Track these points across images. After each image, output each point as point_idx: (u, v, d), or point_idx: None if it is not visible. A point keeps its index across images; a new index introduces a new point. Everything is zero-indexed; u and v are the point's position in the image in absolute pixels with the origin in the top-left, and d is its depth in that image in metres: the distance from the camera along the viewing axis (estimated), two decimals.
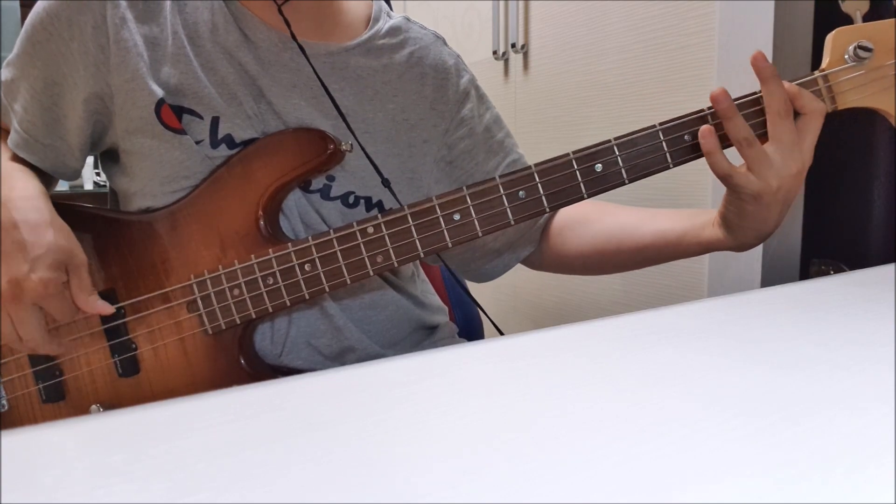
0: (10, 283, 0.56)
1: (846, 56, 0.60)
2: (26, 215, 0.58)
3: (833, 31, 0.61)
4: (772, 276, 0.95)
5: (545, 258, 0.81)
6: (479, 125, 0.79)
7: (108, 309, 0.61)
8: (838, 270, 0.93)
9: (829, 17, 0.90)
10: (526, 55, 1.35)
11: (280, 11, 0.65)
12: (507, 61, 1.40)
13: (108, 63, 0.62)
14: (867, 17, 0.61)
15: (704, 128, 0.59)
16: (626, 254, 0.73)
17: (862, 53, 0.59)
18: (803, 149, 0.59)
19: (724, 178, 0.60)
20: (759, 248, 0.95)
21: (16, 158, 0.67)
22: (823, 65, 0.61)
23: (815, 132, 0.59)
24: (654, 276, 1.12)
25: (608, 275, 1.20)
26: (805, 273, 0.97)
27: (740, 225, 0.62)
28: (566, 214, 0.78)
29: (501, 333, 0.62)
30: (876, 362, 0.34)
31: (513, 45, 1.35)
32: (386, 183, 0.67)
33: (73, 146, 0.67)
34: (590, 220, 0.76)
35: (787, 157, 0.58)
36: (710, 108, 0.60)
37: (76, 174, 0.71)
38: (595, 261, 0.76)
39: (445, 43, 0.79)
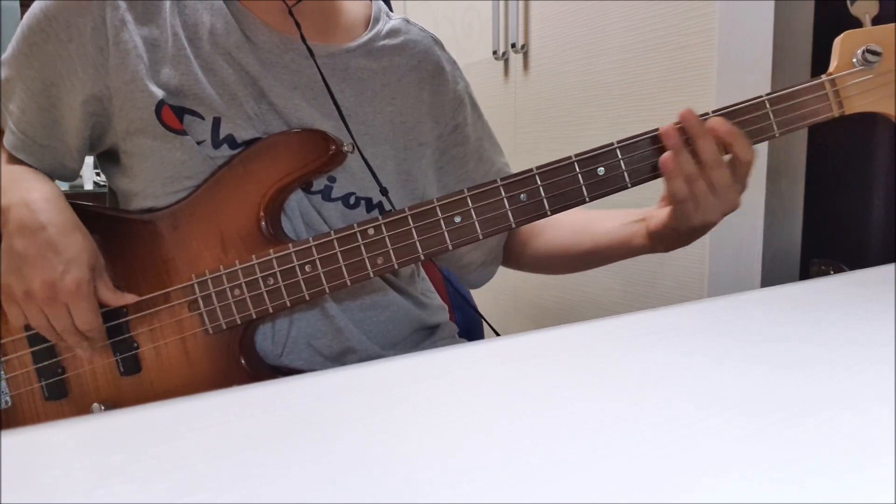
0: (45, 284, 0.58)
1: (854, 60, 0.59)
2: (53, 217, 0.59)
3: (841, 35, 0.60)
4: (772, 276, 0.95)
5: (515, 264, 0.86)
6: (472, 133, 0.80)
7: (133, 298, 0.63)
8: (838, 270, 0.93)
9: (829, 17, 0.90)
10: (526, 55, 1.35)
11: (291, 13, 0.65)
12: (507, 61, 1.40)
13: (106, 65, 0.62)
14: (876, 21, 0.60)
15: (666, 155, 0.60)
16: (574, 258, 0.79)
17: (870, 57, 0.59)
18: (737, 187, 0.61)
19: (681, 202, 0.61)
20: (760, 247, 0.95)
21: (13, 160, 0.67)
22: (831, 68, 0.60)
23: (747, 173, 0.61)
24: (654, 276, 1.13)
25: (600, 275, 1.20)
26: (805, 273, 0.97)
27: (667, 244, 0.68)
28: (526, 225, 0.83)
29: (498, 334, 0.62)
30: (876, 362, 0.34)
31: (513, 45, 1.35)
32: (384, 191, 0.67)
33: (71, 147, 0.67)
34: (547, 227, 0.81)
35: (725, 198, 0.60)
36: (714, 112, 0.60)
37: (74, 175, 0.71)
38: (553, 263, 0.82)
39: (443, 48, 0.79)
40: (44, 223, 0.58)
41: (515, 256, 0.85)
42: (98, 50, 0.62)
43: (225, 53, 0.65)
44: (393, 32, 0.74)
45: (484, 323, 1.01)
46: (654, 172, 0.61)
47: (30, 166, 0.67)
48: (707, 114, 0.60)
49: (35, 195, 0.60)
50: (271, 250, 0.62)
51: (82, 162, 0.70)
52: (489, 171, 0.81)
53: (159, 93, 0.62)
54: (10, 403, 0.66)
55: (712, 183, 0.59)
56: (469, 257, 0.81)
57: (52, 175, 0.70)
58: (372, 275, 0.62)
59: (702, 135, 0.59)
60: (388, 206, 0.70)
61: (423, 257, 0.62)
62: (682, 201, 0.61)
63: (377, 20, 0.75)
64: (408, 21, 0.78)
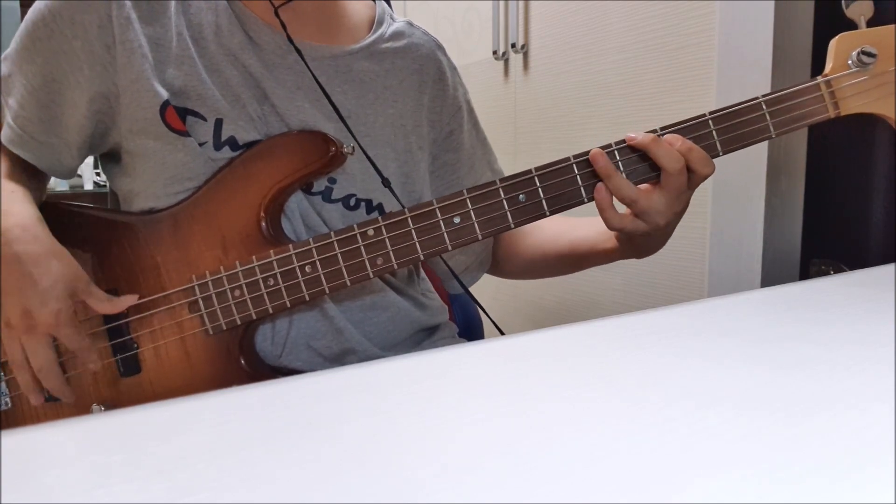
0: (23, 314, 0.57)
1: (850, 61, 0.60)
2: (27, 247, 0.57)
3: (836, 37, 0.61)
4: (772, 276, 0.95)
5: (497, 271, 0.87)
6: (466, 140, 0.80)
7: (131, 299, 0.63)
8: (838, 270, 0.93)
9: (829, 17, 0.90)
10: (526, 55, 1.35)
11: (276, 14, 0.65)
12: (507, 61, 1.40)
13: (114, 63, 0.62)
14: (871, 23, 0.60)
15: (598, 185, 0.61)
16: (550, 263, 0.80)
17: (866, 59, 0.59)
18: (690, 191, 0.62)
19: (618, 230, 0.63)
20: (760, 247, 0.95)
21: (9, 162, 0.67)
22: (826, 70, 0.61)
23: (699, 184, 0.62)
24: (654, 276, 1.13)
25: (600, 275, 1.20)
26: (805, 273, 0.97)
27: (632, 248, 0.70)
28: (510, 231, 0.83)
29: (502, 333, 0.62)
30: (876, 362, 0.34)
31: (513, 45, 1.35)
32: (386, 183, 0.67)
33: (70, 144, 0.67)
34: (525, 232, 0.82)
35: (676, 201, 0.61)
36: (711, 114, 0.60)
37: (72, 173, 0.71)
38: (533, 267, 0.83)
39: (445, 52, 0.79)
40: (18, 254, 0.57)
41: (498, 263, 0.85)
42: (105, 48, 0.62)
43: (229, 54, 0.65)
44: (396, 35, 0.75)
45: (484, 322, 1.01)
46: (654, 172, 0.61)
47: (17, 180, 0.66)
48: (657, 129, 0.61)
49: (10, 222, 0.58)
50: (271, 251, 0.62)
51: (81, 160, 0.70)
52: (479, 180, 0.82)
53: (164, 93, 0.62)
54: (10, 405, 0.66)
55: (670, 188, 0.60)
56: (453, 261, 0.81)
57: (48, 171, 0.69)
58: (372, 275, 0.62)
59: (651, 143, 0.59)
60: (390, 206, 0.70)
61: (422, 258, 0.62)
62: (619, 229, 0.62)
63: (381, 22, 0.75)
64: (411, 24, 0.78)
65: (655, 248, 0.69)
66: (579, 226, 0.77)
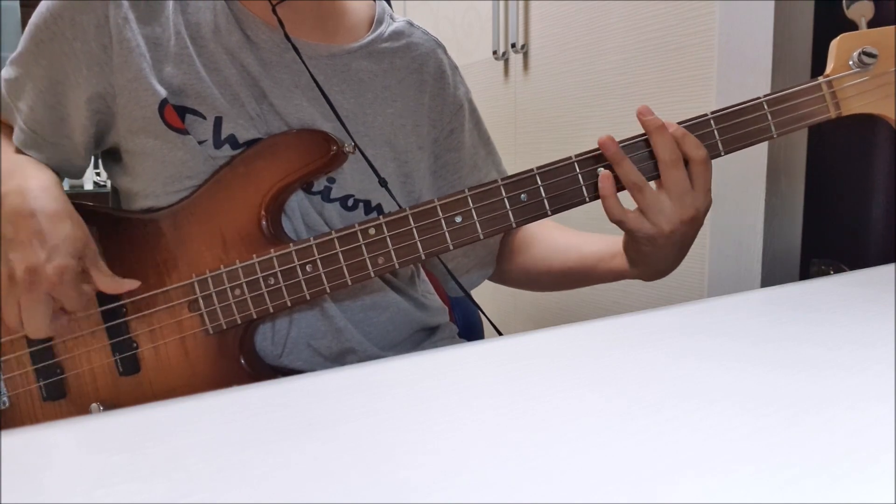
0: (28, 270, 0.57)
1: (851, 62, 0.60)
2: (44, 205, 0.59)
3: (838, 37, 0.61)
4: (772, 276, 0.95)
5: (499, 278, 0.86)
6: (467, 139, 0.79)
7: (133, 284, 0.62)
8: (838, 270, 0.93)
9: (829, 17, 0.90)
10: (526, 55, 1.35)
11: (274, 11, 0.65)
12: (507, 61, 1.40)
13: (110, 63, 0.62)
14: (872, 23, 0.60)
15: (603, 173, 0.60)
16: (556, 276, 0.79)
17: (867, 59, 0.59)
18: (697, 195, 0.60)
19: (618, 222, 0.62)
20: (760, 248, 0.95)
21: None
22: (828, 70, 0.61)
23: (704, 178, 0.60)
24: None
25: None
26: (805, 273, 0.97)
27: (639, 261, 0.66)
28: (517, 236, 0.83)
29: (500, 333, 0.62)
30: (876, 362, 0.34)
31: (513, 45, 1.35)
32: (383, 183, 0.67)
33: (78, 145, 0.67)
34: (533, 242, 0.81)
35: (679, 203, 0.59)
36: (713, 113, 0.60)
37: (81, 172, 0.72)
38: (539, 280, 0.82)
39: (446, 51, 0.79)
40: (34, 210, 0.58)
41: (503, 272, 0.85)
42: (102, 48, 0.62)
43: (227, 53, 0.65)
44: (396, 35, 0.74)
45: (484, 324, 1.01)
46: (654, 173, 0.61)
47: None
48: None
49: (31, 183, 0.60)
50: (272, 250, 0.62)
51: (89, 159, 0.71)
52: (482, 179, 0.81)
53: (162, 92, 0.62)
54: (7, 404, 0.66)
55: (668, 184, 0.59)
56: (453, 264, 0.80)
57: (60, 171, 0.70)
58: (373, 274, 0.62)
59: (655, 130, 0.59)
60: (388, 206, 0.70)
61: (423, 257, 0.62)
62: (619, 221, 0.61)
63: (380, 22, 0.75)
64: (411, 24, 0.78)
65: (664, 266, 0.66)
66: (589, 241, 0.75)
